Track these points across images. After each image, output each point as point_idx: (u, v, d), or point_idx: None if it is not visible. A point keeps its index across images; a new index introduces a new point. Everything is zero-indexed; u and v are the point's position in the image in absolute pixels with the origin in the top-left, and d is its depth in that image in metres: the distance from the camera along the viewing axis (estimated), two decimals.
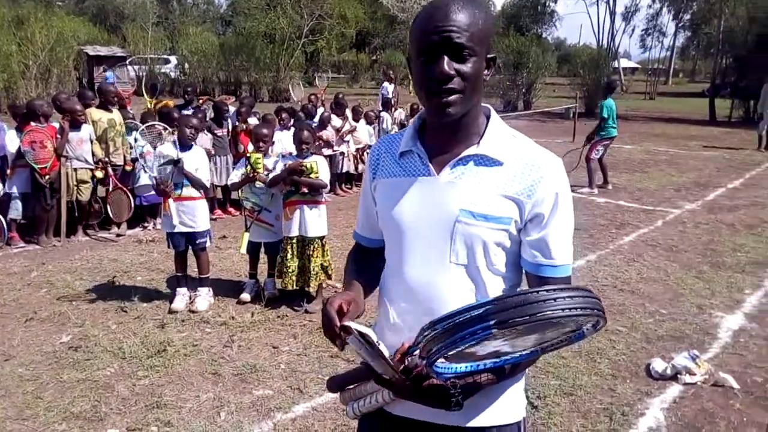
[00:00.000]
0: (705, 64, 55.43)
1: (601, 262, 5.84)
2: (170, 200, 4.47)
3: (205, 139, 6.83)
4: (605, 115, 9.00)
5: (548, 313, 1.01)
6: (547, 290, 1.04)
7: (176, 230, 4.55)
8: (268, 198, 4.79)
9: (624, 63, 47.44)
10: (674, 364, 3.65)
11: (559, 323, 1.08)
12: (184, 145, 4.61)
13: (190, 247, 4.70)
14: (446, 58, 1.23)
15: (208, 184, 4.84)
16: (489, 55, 1.30)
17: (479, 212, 1.29)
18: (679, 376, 3.60)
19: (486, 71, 1.30)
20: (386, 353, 1.22)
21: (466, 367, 1.17)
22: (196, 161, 4.60)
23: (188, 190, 4.55)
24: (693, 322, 4.43)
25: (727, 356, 3.93)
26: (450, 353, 1.08)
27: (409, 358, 1.19)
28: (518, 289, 1.30)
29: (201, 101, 8.63)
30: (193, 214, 4.56)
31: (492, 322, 1.02)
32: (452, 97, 1.25)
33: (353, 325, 1.23)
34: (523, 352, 1.19)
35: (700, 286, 5.19)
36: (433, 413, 1.28)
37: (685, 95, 36.61)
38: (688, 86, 48.13)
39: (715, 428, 3.15)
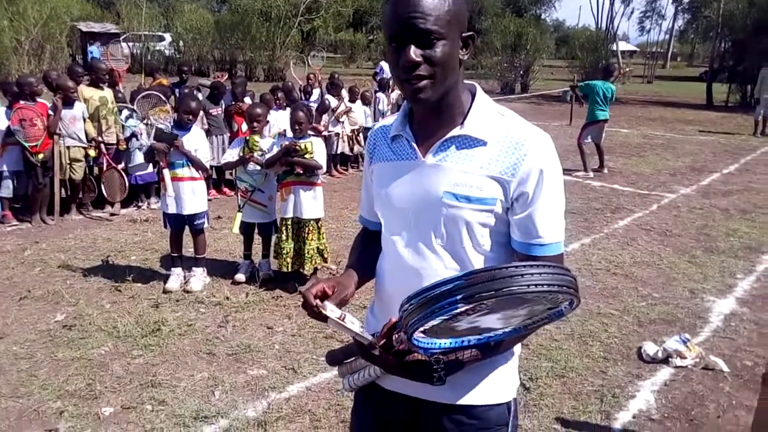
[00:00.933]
0: (704, 47, 55.16)
1: (595, 245, 5.86)
2: (165, 171, 4.43)
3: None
4: (582, 92, 9.15)
5: (514, 288, 1.01)
6: (516, 266, 1.04)
7: (173, 210, 4.53)
8: (262, 178, 4.77)
9: (623, 46, 47.15)
10: (665, 347, 3.69)
11: (530, 299, 1.08)
12: (183, 127, 4.58)
13: (186, 228, 4.69)
14: (413, 47, 1.23)
15: (208, 165, 4.80)
16: (465, 34, 1.29)
17: (462, 194, 1.30)
18: (670, 359, 3.63)
19: (463, 50, 1.30)
20: (359, 331, 1.27)
21: (450, 342, 1.19)
22: (196, 142, 4.57)
23: (186, 171, 4.52)
24: (685, 306, 4.47)
25: (718, 340, 3.97)
26: (425, 327, 1.09)
27: (396, 335, 1.21)
28: (489, 265, 1.30)
29: (220, 77, 8.43)
30: (191, 194, 4.54)
31: (459, 297, 1.02)
32: (421, 83, 1.25)
33: (328, 306, 1.30)
34: (506, 330, 1.20)
35: (693, 270, 5.23)
36: (422, 389, 1.31)
37: (683, 79, 36.53)
38: (686, 70, 48.02)
39: (705, 410, 3.19)
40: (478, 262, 1.34)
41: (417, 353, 1.21)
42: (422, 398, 1.40)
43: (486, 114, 1.34)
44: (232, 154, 4.83)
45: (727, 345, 3.90)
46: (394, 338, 1.22)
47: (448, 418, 1.39)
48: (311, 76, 9.96)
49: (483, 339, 1.21)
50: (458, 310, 1.05)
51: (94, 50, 23.03)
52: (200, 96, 7.42)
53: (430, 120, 1.36)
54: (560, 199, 1.33)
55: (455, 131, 1.33)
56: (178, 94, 7.44)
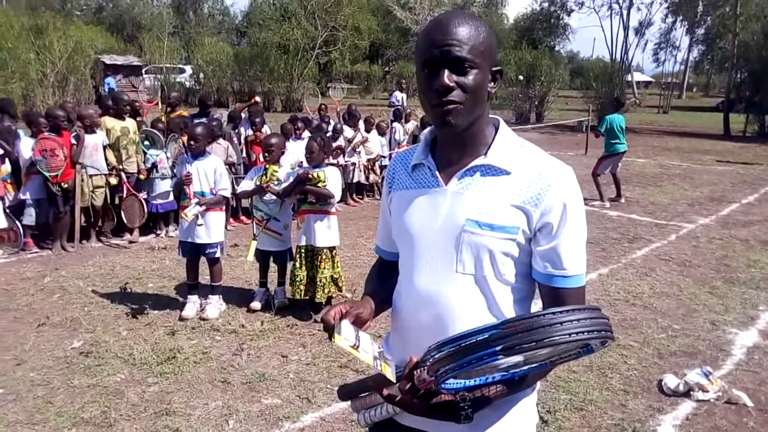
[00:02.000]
0: (719, 78, 55.15)
1: (614, 275, 5.79)
2: (192, 200, 4.51)
3: (220, 149, 6.87)
4: (603, 129, 9.12)
5: (556, 338, 1.00)
6: (552, 313, 1.03)
7: (186, 239, 4.58)
8: (277, 207, 4.82)
9: (637, 77, 47.28)
10: (687, 380, 3.61)
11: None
12: (196, 154, 4.64)
13: (201, 256, 4.73)
14: (446, 71, 1.26)
15: (227, 193, 4.81)
16: (494, 68, 1.33)
17: (485, 222, 1.30)
18: (691, 392, 3.55)
19: (491, 84, 1.33)
20: (372, 363, 1.26)
21: (476, 380, 1.17)
22: (210, 170, 4.63)
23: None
24: (706, 338, 4.38)
25: (741, 373, 3.88)
26: (463, 374, 1.08)
27: (417, 372, 1.19)
28: (523, 313, 1.28)
29: (240, 108, 8.59)
30: (207, 225, 4.59)
31: (498, 348, 1.02)
32: (452, 107, 1.27)
33: (343, 330, 1.29)
34: (533, 365, 1.18)
35: (714, 301, 5.14)
36: (443, 425, 1.27)
37: (699, 109, 36.42)
38: (701, 100, 47.90)
39: None
40: (499, 291, 1.34)
41: (443, 394, 1.19)
42: None
43: (509, 145, 1.36)
44: (249, 184, 4.89)
45: (750, 378, 3.81)
46: (415, 376, 1.19)
47: None
48: (323, 107, 10.07)
49: (508, 375, 1.19)
50: (497, 361, 1.04)
51: (111, 81, 23.61)
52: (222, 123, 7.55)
53: (454, 149, 1.37)
54: (583, 231, 1.34)
55: (479, 160, 1.34)
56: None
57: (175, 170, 4.60)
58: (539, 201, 1.29)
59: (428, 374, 1.14)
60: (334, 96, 12.48)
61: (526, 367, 1.18)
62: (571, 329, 1.01)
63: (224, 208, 4.90)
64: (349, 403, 1.47)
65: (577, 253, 1.32)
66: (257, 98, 8.56)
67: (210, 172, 4.61)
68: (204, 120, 8.04)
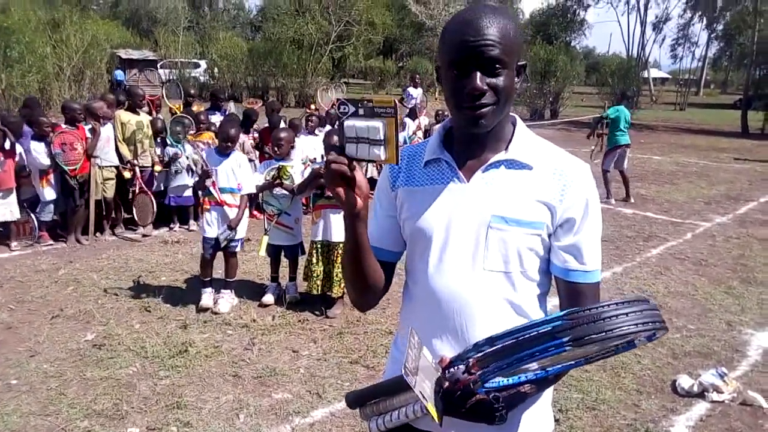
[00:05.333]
0: (737, 75, 54.39)
1: (627, 274, 5.73)
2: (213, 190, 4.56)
3: (246, 143, 7.00)
4: (605, 115, 9.03)
5: (624, 328, 0.99)
6: (615, 304, 1.02)
7: (211, 235, 4.61)
8: (288, 202, 4.82)
9: (654, 73, 46.75)
10: (701, 381, 3.56)
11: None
12: (223, 153, 4.68)
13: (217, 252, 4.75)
14: (479, 74, 1.22)
15: (253, 189, 4.81)
16: (519, 63, 1.30)
17: (512, 217, 1.28)
18: (706, 393, 3.51)
19: (517, 79, 1.30)
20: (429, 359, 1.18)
21: (509, 379, 1.14)
22: (236, 166, 4.66)
23: (230, 197, 4.63)
24: (721, 339, 4.32)
25: (757, 374, 3.82)
26: (512, 371, 1.06)
27: (450, 371, 1.14)
28: (583, 306, 1.15)
29: (254, 103, 8.59)
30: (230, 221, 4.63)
31: (566, 339, 1.00)
32: (485, 110, 1.25)
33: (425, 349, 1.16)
34: (570, 363, 1.16)
35: (730, 301, 5.07)
36: (463, 427, 1.21)
37: (716, 106, 35.97)
38: (719, 97, 47.29)
39: None
40: (524, 287, 1.32)
41: (478, 394, 1.14)
42: None
43: (528, 141, 1.35)
44: (258, 177, 4.88)
45: (766, 380, 3.75)
46: (446, 373, 1.15)
47: None
48: (336, 101, 10.05)
49: (542, 373, 1.15)
50: (562, 352, 1.02)
51: (119, 73, 23.81)
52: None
53: (473, 146, 1.35)
54: (600, 228, 1.34)
55: (500, 155, 1.33)
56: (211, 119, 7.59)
57: (199, 166, 4.66)
58: (562, 196, 1.29)
59: (468, 372, 1.10)
60: (334, 97, 12.31)
61: (560, 366, 1.15)
62: (637, 320, 1.01)
63: (248, 204, 4.93)
64: (358, 410, 1.38)
65: (596, 248, 1.33)
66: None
67: (235, 169, 4.65)
68: (217, 114, 8.10)
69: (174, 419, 3.18)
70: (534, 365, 1.10)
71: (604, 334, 0.98)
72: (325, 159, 1.41)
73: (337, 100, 1.23)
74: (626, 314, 1.00)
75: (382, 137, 1.16)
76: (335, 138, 4.59)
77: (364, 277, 1.38)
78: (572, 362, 1.16)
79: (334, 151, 1.20)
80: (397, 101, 1.21)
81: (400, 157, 1.42)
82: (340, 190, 1.21)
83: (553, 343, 1.00)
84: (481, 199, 1.31)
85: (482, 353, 1.08)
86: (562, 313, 1.05)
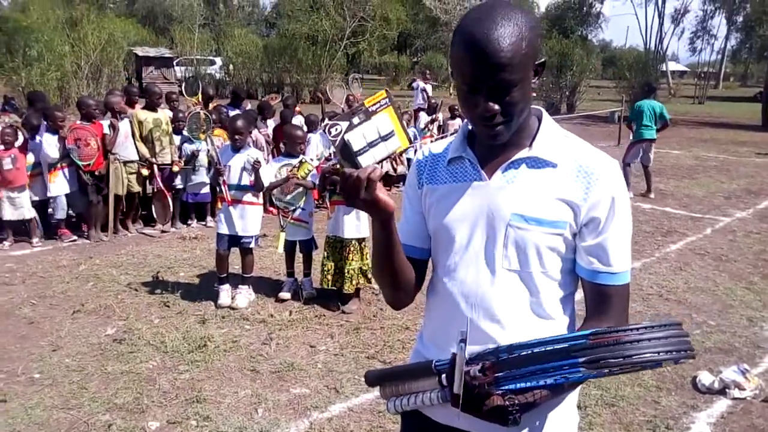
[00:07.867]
0: (758, 67, 53.54)
1: (647, 270, 5.68)
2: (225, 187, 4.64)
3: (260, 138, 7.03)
4: (633, 116, 8.89)
5: (645, 354, 0.97)
6: (639, 329, 0.99)
7: (226, 232, 4.64)
8: (301, 197, 4.84)
9: (672, 66, 46.12)
10: (722, 377, 3.52)
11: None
12: (236, 148, 4.70)
13: (233, 248, 4.78)
14: (490, 99, 1.20)
15: (267, 183, 4.83)
16: (536, 62, 1.24)
17: (532, 216, 1.26)
18: (727, 390, 3.47)
19: (534, 78, 1.25)
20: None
21: (526, 382, 1.12)
22: (250, 162, 4.68)
23: (243, 194, 4.66)
24: (742, 335, 4.27)
25: None
26: (526, 384, 1.05)
27: (469, 369, 1.14)
28: (605, 327, 1.13)
29: (273, 99, 8.63)
30: (246, 217, 4.66)
31: (580, 360, 0.98)
32: (498, 129, 1.23)
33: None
34: (592, 372, 1.11)
35: (751, 297, 5.00)
36: (480, 425, 1.19)
37: (736, 100, 35.39)
38: (739, 91, 46.58)
39: None
40: (545, 287, 1.29)
41: (494, 396, 1.13)
42: None
43: (553, 137, 1.32)
44: (272, 170, 4.88)
45: None
46: (467, 372, 1.14)
47: None
48: (351, 97, 10.05)
49: (561, 380, 1.09)
50: (575, 372, 1.00)
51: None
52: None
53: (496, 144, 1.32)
54: (629, 226, 1.29)
55: (523, 153, 1.30)
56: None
57: (215, 162, 4.73)
58: (587, 195, 1.25)
59: (484, 374, 1.10)
60: (354, 91, 12.31)
61: (580, 374, 1.10)
62: (660, 347, 0.97)
63: (262, 200, 4.96)
64: (377, 389, 1.42)
65: (624, 249, 1.28)
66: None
67: (247, 165, 4.67)
68: (237, 111, 8.13)
69: (194, 413, 3.21)
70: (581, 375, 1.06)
71: (621, 359, 0.96)
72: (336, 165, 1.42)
73: (325, 125, 1.23)
74: (649, 340, 0.97)
75: (392, 127, 1.16)
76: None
77: (395, 274, 1.37)
78: (594, 373, 1.13)
79: (343, 169, 1.20)
80: (387, 90, 1.21)
81: (421, 152, 1.44)
82: (363, 206, 1.22)
83: (568, 362, 0.99)
84: (502, 197, 1.29)
85: (499, 359, 1.07)
86: (588, 332, 1.02)
